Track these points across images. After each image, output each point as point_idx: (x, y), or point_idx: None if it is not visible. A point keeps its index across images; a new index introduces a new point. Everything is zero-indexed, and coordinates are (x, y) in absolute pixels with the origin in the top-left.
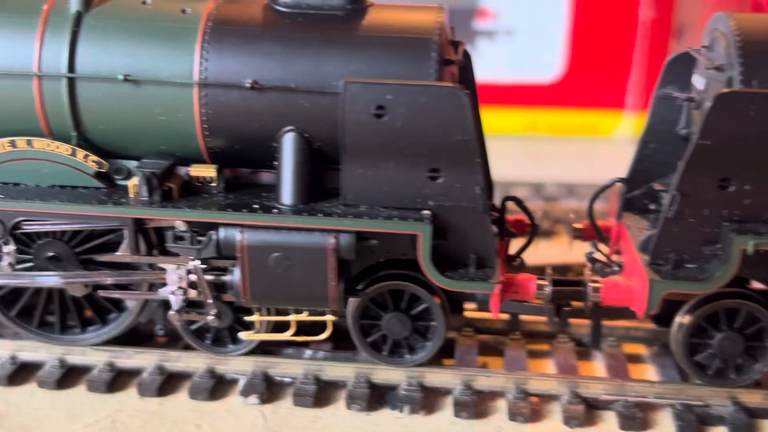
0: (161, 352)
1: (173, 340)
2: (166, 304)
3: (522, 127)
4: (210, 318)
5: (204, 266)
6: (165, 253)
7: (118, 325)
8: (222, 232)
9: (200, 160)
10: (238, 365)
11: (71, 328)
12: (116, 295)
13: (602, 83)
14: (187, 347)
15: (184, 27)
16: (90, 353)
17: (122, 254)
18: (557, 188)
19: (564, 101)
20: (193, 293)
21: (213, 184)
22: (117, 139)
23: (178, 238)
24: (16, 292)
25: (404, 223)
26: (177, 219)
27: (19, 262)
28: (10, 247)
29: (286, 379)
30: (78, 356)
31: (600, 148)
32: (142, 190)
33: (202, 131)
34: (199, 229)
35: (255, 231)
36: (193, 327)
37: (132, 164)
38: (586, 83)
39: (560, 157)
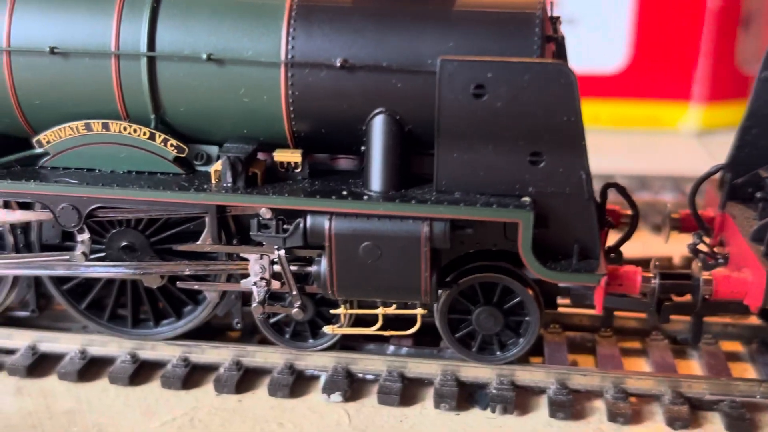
0: (237, 347)
1: (246, 335)
2: (244, 296)
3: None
4: (294, 311)
5: (287, 256)
6: (243, 242)
7: (193, 318)
8: (309, 220)
9: (282, 145)
10: (318, 361)
11: (144, 321)
12: (196, 286)
13: (667, 73)
14: (263, 341)
15: (270, 3)
16: (162, 348)
17: (204, 243)
18: (629, 180)
19: (627, 92)
20: (276, 284)
21: (297, 170)
22: (198, 122)
23: (263, 227)
24: (85, 284)
25: (504, 210)
26: (263, 206)
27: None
28: (85, 236)
29: (369, 376)
30: (150, 351)
31: (665, 140)
32: (227, 176)
33: (288, 114)
34: (284, 217)
35: (344, 219)
36: (273, 320)
37: (212, 149)
38: (650, 73)
39: (624, 149)
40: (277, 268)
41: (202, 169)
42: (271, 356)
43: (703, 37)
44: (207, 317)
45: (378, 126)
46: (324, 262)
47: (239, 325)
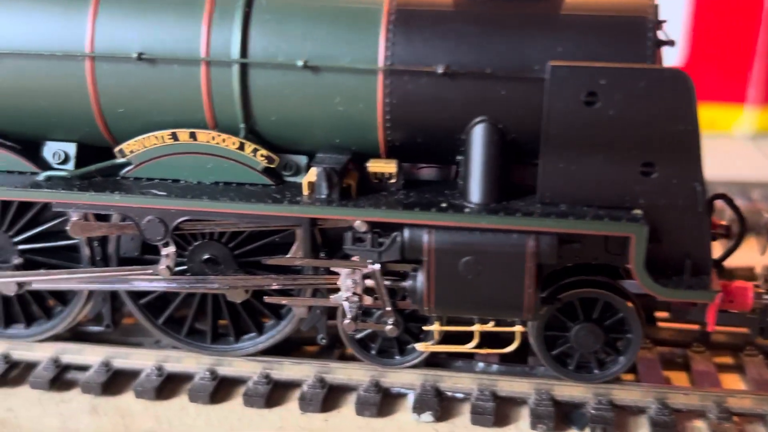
0: (320, 363)
1: (325, 350)
2: (329, 311)
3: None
4: (388, 327)
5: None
6: (330, 255)
7: (276, 333)
8: (407, 234)
9: (373, 154)
10: (405, 378)
11: (223, 337)
12: (285, 301)
13: (723, 76)
14: (342, 357)
15: (367, 7)
16: (242, 364)
17: (294, 257)
18: None
19: None
20: (368, 300)
21: (392, 181)
22: (288, 131)
23: (357, 240)
24: (164, 298)
25: (617, 224)
26: (359, 219)
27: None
28: (170, 250)
29: (458, 395)
30: (229, 367)
31: (720, 144)
32: (322, 188)
33: (384, 122)
34: (379, 230)
35: (444, 232)
36: (359, 336)
37: (301, 159)
38: (706, 76)
39: None
40: (369, 282)
41: (291, 180)
42: (355, 373)
43: (760, 40)
44: (290, 332)
45: (479, 135)
46: (421, 277)
47: (324, 340)
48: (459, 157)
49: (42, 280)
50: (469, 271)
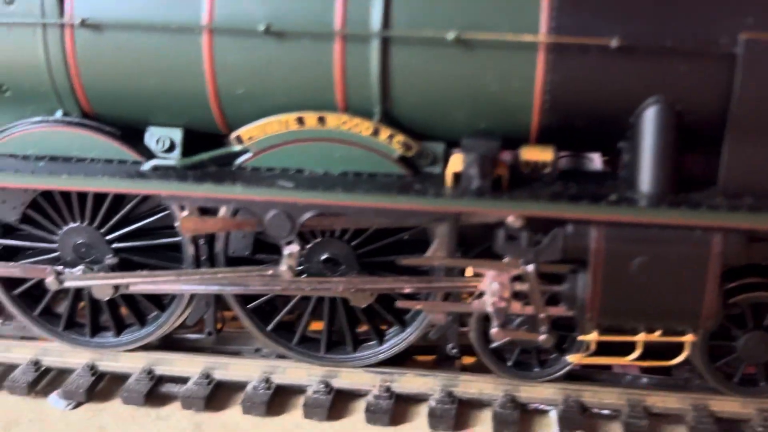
0: (447, 376)
1: (441, 361)
2: (461, 319)
3: None
4: (543, 337)
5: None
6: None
7: (400, 341)
8: (571, 230)
9: (520, 140)
10: (543, 393)
11: (338, 345)
12: (419, 306)
13: None
14: (465, 369)
15: None
16: (359, 376)
17: (434, 256)
18: None
19: None
20: (516, 305)
21: (546, 171)
22: (429, 114)
23: (510, 238)
24: (270, 303)
25: None
26: (516, 214)
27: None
28: (293, 248)
29: (605, 411)
30: (344, 379)
31: None
32: (475, 178)
33: (541, 104)
34: (534, 226)
35: (615, 229)
36: (493, 346)
37: (437, 147)
38: None
39: None
40: (519, 286)
41: (429, 170)
42: (487, 387)
43: None
44: (415, 341)
45: (653, 118)
46: (583, 280)
47: (455, 350)
48: (622, 144)
49: (144, 283)
50: (642, 274)
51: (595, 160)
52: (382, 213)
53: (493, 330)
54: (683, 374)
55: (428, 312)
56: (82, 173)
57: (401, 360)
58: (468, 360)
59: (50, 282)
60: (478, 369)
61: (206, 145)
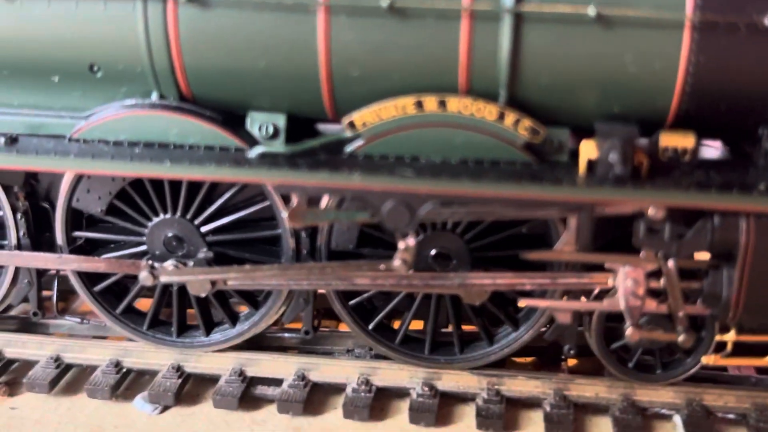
0: (559, 379)
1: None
2: (579, 320)
3: None
4: (682, 337)
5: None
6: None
7: (512, 342)
8: (718, 222)
9: (656, 125)
10: (664, 396)
11: (444, 346)
12: (544, 304)
13: None
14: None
15: None
16: (465, 378)
17: (564, 250)
18: None
19: None
20: (651, 303)
21: (685, 158)
22: (559, 98)
23: (651, 230)
24: (370, 300)
25: None
26: (660, 204)
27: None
28: (410, 241)
29: (730, 416)
30: (449, 382)
31: None
32: (615, 165)
33: (683, 86)
34: (675, 217)
35: (767, 220)
36: (614, 346)
37: (562, 133)
38: None
39: None
40: (655, 283)
41: (555, 157)
42: (601, 390)
43: None
44: (528, 341)
45: None
46: (728, 277)
47: (573, 351)
48: (763, 130)
49: (245, 278)
50: None
51: (716, 148)
52: (510, 203)
53: (628, 330)
54: None
55: (554, 311)
56: (186, 161)
57: (501, 362)
58: (572, 362)
59: (144, 277)
60: (582, 371)
61: (303, 132)
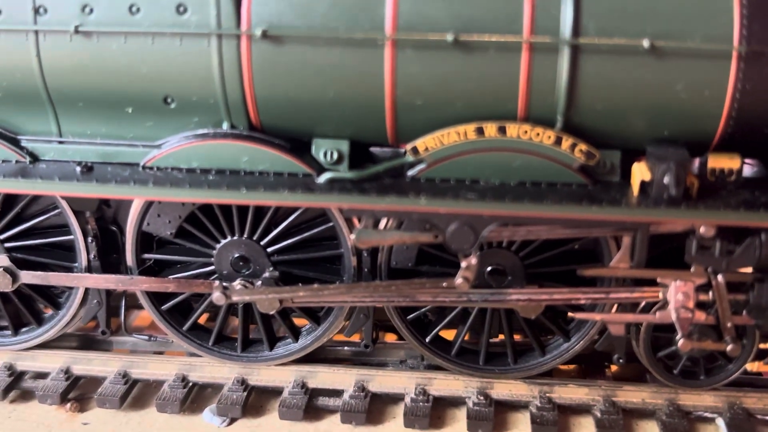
0: (607, 386)
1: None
2: (628, 329)
3: None
4: (730, 347)
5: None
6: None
7: (563, 352)
8: (766, 238)
9: (698, 146)
10: (707, 400)
11: (498, 356)
12: (599, 317)
13: None
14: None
15: None
16: (518, 387)
17: (619, 267)
18: None
19: None
20: (700, 315)
21: (732, 178)
22: (613, 123)
23: (702, 247)
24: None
25: None
26: (711, 223)
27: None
28: (472, 260)
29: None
30: (503, 391)
31: None
32: (669, 187)
33: (729, 112)
34: (724, 235)
35: None
36: (660, 354)
37: (614, 155)
38: None
39: None
40: (704, 296)
41: (608, 178)
42: (647, 395)
43: None
44: (579, 351)
45: None
46: None
47: (621, 360)
48: None
49: (313, 296)
50: None
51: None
52: (569, 223)
53: (680, 341)
54: None
55: (609, 324)
56: (260, 187)
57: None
58: (614, 368)
59: (217, 297)
60: (624, 378)
61: (361, 155)
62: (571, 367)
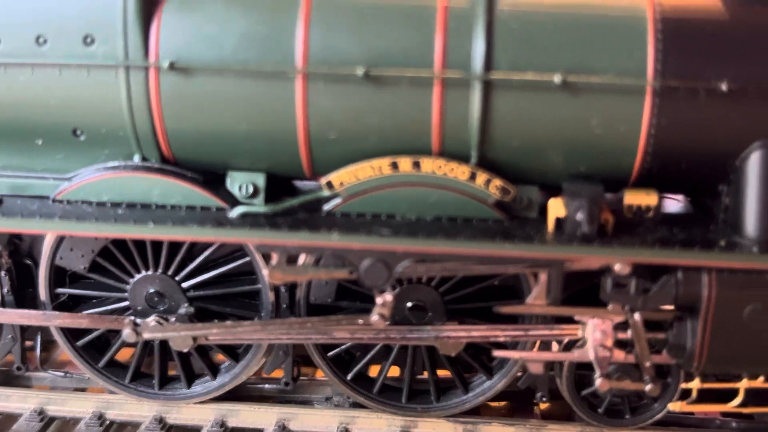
0: (533, 425)
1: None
2: (551, 367)
3: None
4: (649, 387)
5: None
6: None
7: (486, 390)
8: (682, 277)
9: (619, 183)
10: None
11: (420, 394)
12: (517, 356)
13: None
14: (546, 415)
15: (630, 14)
16: (440, 425)
17: (535, 304)
18: None
19: None
20: (619, 353)
21: (649, 215)
22: (528, 158)
23: (618, 285)
24: (348, 351)
25: None
26: (626, 260)
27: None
28: (387, 297)
29: None
30: (428, 429)
31: None
32: (582, 224)
33: (645, 147)
34: (640, 272)
35: (728, 275)
36: (584, 393)
37: (532, 191)
38: None
39: None
40: (623, 334)
41: (525, 214)
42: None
43: None
44: (501, 389)
45: (758, 162)
46: (692, 328)
47: (544, 399)
48: (722, 187)
49: (227, 333)
50: (753, 321)
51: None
52: (484, 260)
53: (598, 381)
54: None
55: (527, 362)
56: (169, 222)
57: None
58: (543, 405)
59: (127, 334)
60: (553, 415)
61: (281, 188)
62: (502, 404)
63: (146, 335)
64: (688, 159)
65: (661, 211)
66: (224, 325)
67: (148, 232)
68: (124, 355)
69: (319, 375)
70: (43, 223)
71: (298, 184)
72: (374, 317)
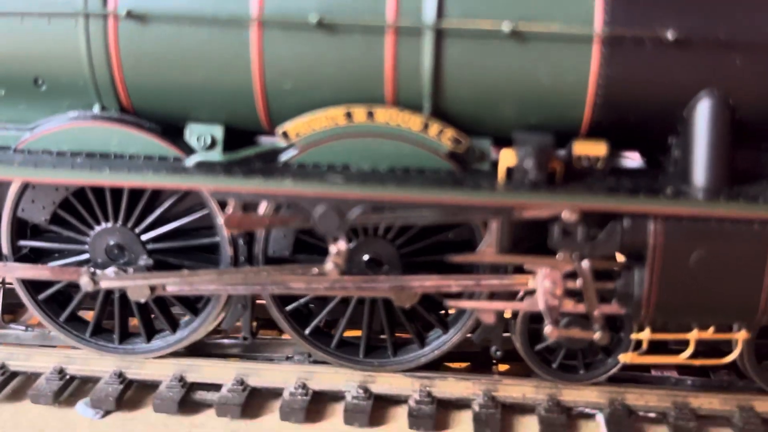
0: (488, 380)
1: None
2: (504, 320)
3: None
4: (598, 335)
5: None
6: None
7: (441, 344)
8: (628, 224)
9: (569, 135)
10: (588, 396)
11: (378, 349)
12: (469, 305)
13: None
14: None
15: None
16: (399, 380)
17: (485, 252)
18: None
19: None
20: (568, 303)
21: (599, 165)
22: (479, 109)
23: (565, 233)
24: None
25: None
26: (573, 207)
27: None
28: (341, 245)
29: (651, 414)
30: (384, 385)
31: None
32: (529, 172)
33: (594, 98)
34: (588, 221)
35: (674, 222)
36: (538, 348)
37: (484, 142)
38: None
39: None
40: (573, 283)
41: (478, 166)
42: (528, 391)
43: None
44: (457, 343)
45: (706, 111)
46: (639, 277)
47: (499, 353)
48: (672, 140)
49: (183, 283)
50: (699, 269)
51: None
52: (434, 208)
53: (547, 329)
54: (724, 375)
55: (478, 312)
56: (124, 169)
57: (435, 366)
58: (503, 367)
59: (85, 283)
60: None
61: (242, 143)
62: (462, 365)
63: (103, 284)
64: (637, 111)
65: (612, 163)
66: (181, 274)
67: (103, 179)
68: (88, 316)
69: (285, 337)
70: (1, 170)
71: (261, 140)
72: (329, 266)
